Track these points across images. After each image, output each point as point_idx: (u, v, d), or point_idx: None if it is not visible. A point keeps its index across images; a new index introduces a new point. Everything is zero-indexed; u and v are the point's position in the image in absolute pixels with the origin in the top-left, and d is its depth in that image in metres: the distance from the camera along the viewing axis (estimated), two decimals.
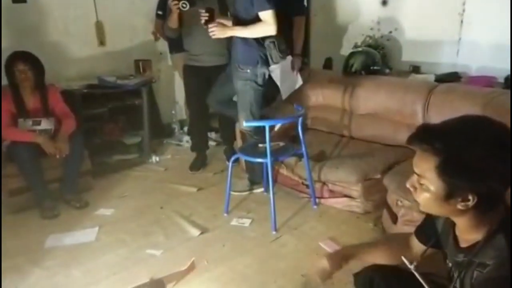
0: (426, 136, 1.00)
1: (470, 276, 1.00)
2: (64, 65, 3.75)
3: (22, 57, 2.91)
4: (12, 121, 2.92)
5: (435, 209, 1.05)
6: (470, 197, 0.96)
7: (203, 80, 3.41)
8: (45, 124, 2.99)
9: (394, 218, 2.38)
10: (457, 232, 1.11)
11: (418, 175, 1.03)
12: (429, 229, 1.26)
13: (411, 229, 2.18)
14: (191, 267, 2.26)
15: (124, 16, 4.01)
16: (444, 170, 0.96)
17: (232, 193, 3.01)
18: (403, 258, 1.23)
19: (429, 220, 1.26)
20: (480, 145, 0.93)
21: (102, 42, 3.96)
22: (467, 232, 1.06)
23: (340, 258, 1.36)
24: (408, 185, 1.08)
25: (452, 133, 0.98)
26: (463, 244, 1.08)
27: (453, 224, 1.11)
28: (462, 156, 0.94)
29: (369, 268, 1.40)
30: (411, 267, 1.20)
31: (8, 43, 3.30)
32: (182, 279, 2.17)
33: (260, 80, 2.88)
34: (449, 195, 0.98)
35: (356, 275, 1.44)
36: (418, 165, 1.03)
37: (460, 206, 0.99)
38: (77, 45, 3.82)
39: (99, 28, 3.91)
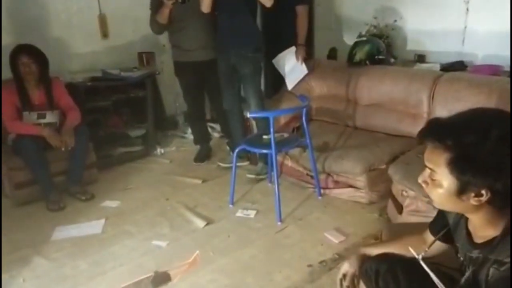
0: (437, 131, 0.98)
1: (486, 273, 0.98)
2: (68, 58, 3.75)
3: (26, 50, 2.92)
4: (17, 114, 2.93)
5: (449, 205, 1.04)
6: (483, 192, 0.94)
7: (198, 75, 3.42)
8: (50, 117, 3.00)
9: (399, 208, 2.37)
10: (471, 228, 1.09)
11: (430, 169, 1.01)
12: (440, 222, 1.25)
13: (416, 219, 2.21)
14: (196, 260, 2.27)
15: (127, 8, 3.99)
16: (456, 166, 0.95)
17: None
18: (410, 248, 1.22)
19: (441, 212, 1.25)
20: (491, 140, 0.91)
21: (105, 35, 3.95)
22: (482, 228, 1.04)
23: (359, 260, 1.36)
24: (420, 181, 1.06)
25: (463, 128, 0.96)
26: (477, 240, 1.06)
27: (465, 219, 1.10)
28: (474, 152, 0.92)
29: (374, 258, 1.40)
30: (419, 257, 1.19)
31: (11, 37, 3.30)
32: (187, 272, 2.18)
33: (262, 63, 2.92)
34: (461, 191, 0.97)
35: (362, 266, 1.44)
36: (430, 160, 1.01)
37: (473, 201, 0.97)
38: (80, 38, 3.81)
39: (102, 20, 3.90)
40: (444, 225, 1.23)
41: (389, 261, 1.35)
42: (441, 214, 1.24)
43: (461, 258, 1.14)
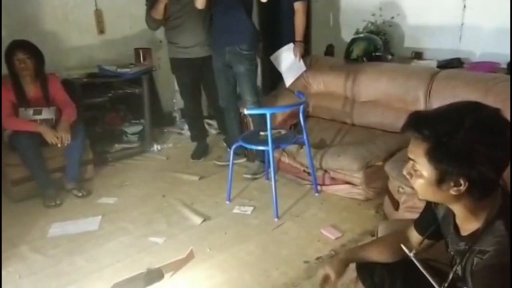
0: (416, 123, 1.02)
1: (471, 263, 1.01)
2: (64, 54, 3.72)
3: (22, 46, 2.90)
4: (13, 110, 2.92)
5: (431, 195, 1.07)
6: (462, 182, 0.97)
7: (195, 72, 3.41)
8: (46, 114, 2.99)
9: (396, 205, 2.38)
10: (457, 221, 1.12)
11: (412, 160, 1.05)
12: (427, 219, 1.27)
13: (412, 215, 2.19)
14: (190, 256, 2.25)
15: (123, 4, 3.97)
16: (433, 156, 0.99)
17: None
18: (402, 246, 1.24)
19: (428, 210, 1.27)
20: (465, 129, 0.94)
21: (101, 31, 3.93)
22: (466, 221, 1.07)
23: (341, 264, 1.36)
24: (404, 172, 1.10)
25: (440, 119, 1.00)
26: (463, 233, 1.09)
27: (453, 214, 1.12)
28: (448, 140, 0.96)
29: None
30: (411, 254, 1.22)
31: (7, 32, 3.28)
32: (181, 268, 2.17)
33: (258, 60, 2.92)
34: (440, 180, 1.00)
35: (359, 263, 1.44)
36: (412, 152, 1.05)
37: (452, 191, 1.00)
38: (76, 34, 3.79)
39: (99, 16, 3.88)
40: (431, 222, 1.25)
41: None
42: (429, 210, 1.27)
43: (451, 253, 1.16)
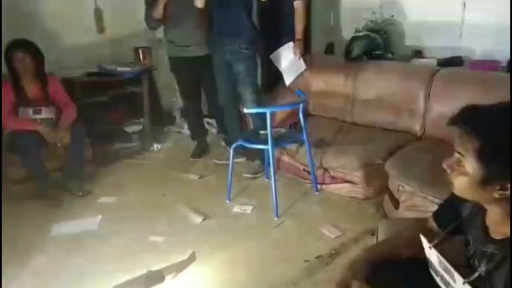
0: (470, 117, 0.97)
1: (506, 272, 0.96)
2: (64, 53, 3.71)
3: (21, 45, 2.89)
4: (13, 110, 2.91)
5: (470, 193, 1.02)
6: (509, 186, 0.92)
7: (194, 71, 3.40)
8: (46, 113, 2.98)
9: (396, 204, 2.38)
10: (488, 221, 1.06)
11: (459, 154, 0.99)
12: (449, 215, 1.21)
13: (412, 214, 2.21)
14: (191, 258, 2.25)
15: (122, 2, 3.96)
16: (483, 155, 0.94)
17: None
18: (421, 236, 1.18)
19: (451, 205, 1.21)
20: None
21: (101, 30, 3.93)
22: (502, 223, 1.01)
23: (366, 269, 1.24)
24: (444, 166, 1.04)
25: (496, 117, 0.95)
26: (495, 236, 1.03)
27: (482, 211, 1.07)
28: (504, 143, 0.91)
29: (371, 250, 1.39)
30: (431, 245, 1.16)
31: (6, 31, 3.27)
32: (182, 270, 2.17)
33: (258, 58, 2.92)
34: (486, 181, 0.95)
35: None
36: (460, 145, 0.99)
37: (497, 194, 0.95)
38: (76, 32, 3.78)
39: (98, 15, 3.88)
40: (453, 218, 1.19)
41: (386, 264, 1.33)
42: (451, 206, 1.20)
43: (471, 251, 1.12)
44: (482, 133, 0.93)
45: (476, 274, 1.06)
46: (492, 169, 0.93)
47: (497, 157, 0.92)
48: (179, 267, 2.19)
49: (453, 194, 1.10)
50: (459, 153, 1.00)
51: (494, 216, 1.03)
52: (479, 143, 0.94)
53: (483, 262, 1.05)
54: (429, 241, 1.18)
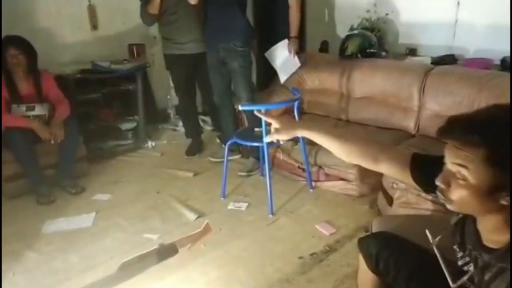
0: (468, 126, 0.92)
1: (506, 284, 0.92)
2: (57, 50, 3.69)
3: (14, 41, 2.88)
4: (5, 106, 2.89)
5: (472, 206, 0.96)
6: None
7: (189, 68, 3.40)
8: (39, 110, 2.97)
9: (390, 201, 2.39)
10: (480, 228, 1.03)
11: (461, 166, 0.93)
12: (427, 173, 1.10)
13: (406, 211, 2.22)
14: (206, 230, 2.20)
15: None
16: (495, 161, 0.88)
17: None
18: (426, 231, 1.14)
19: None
20: None
21: (95, 26, 3.90)
22: (496, 231, 0.97)
23: (291, 126, 1.36)
24: (438, 182, 0.98)
25: (501, 120, 0.91)
26: (490, 244, 0.99)
27: (474, 220, 1.04)
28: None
29: (377, 236, 1.41)
30: (434, 241, 1.13)
31: None
32: (197, 241, 2.13)
33: (252, 56, 2.92)
34: (495, 189, 0.90)
35: (361, 240, 1.43)
36: (459, 157, 0.93)
37: (504, 201, 0.91)
38: (69, 29, 3.76)
39: (92, 11, 3.85)
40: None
41: (392, 248, 1.34)
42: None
43: (461, 253, 1.10)
44: (490, 139, 0.88)
45: (465, 278, 1.05)
46: (504, 174, 0.88)
47: (509, 161, 0.88)
48: (194, 238, 2.15)
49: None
50: (460, 165, 0.93)
51: (490, 224, 0.99)
52: (487, 150, 0.89)
53: (475, 267, 1.04)
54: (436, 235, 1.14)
